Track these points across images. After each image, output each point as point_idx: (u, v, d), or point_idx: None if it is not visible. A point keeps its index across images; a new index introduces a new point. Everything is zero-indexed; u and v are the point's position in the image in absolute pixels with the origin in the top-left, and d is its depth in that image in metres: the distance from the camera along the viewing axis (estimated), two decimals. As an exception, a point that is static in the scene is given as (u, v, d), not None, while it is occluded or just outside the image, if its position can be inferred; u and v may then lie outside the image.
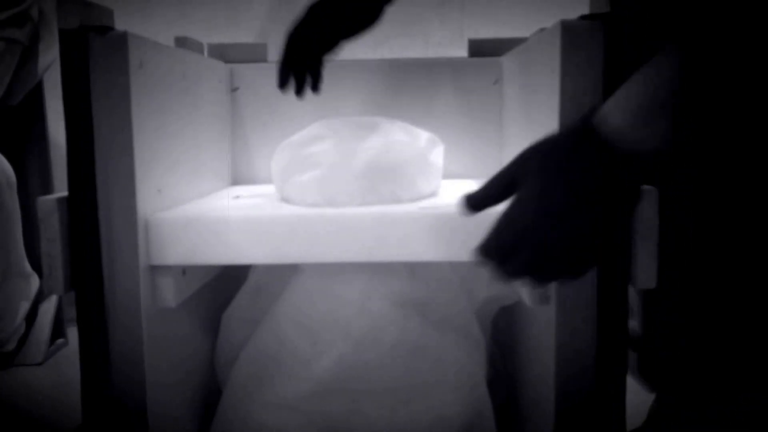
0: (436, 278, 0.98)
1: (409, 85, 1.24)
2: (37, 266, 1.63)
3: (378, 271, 0.95)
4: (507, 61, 1.18)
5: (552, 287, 0.83)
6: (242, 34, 1.83)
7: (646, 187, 0.81)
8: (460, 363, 0.95)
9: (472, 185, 0.73)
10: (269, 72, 1.26)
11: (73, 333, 1.75)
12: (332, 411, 0.91)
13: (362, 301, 0.94)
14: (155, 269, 0.84)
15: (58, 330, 1.68)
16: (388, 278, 0.95)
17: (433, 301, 0.97)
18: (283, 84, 1.00)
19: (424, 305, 0.96)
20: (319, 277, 0.97)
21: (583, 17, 0.79)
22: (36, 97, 1.64)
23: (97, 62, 0.79)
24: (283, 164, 0.96)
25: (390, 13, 1.02)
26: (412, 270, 0.97)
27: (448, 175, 1.10)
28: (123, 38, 0.79)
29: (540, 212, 0.64)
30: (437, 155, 1.02)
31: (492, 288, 1.02)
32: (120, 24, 0.82)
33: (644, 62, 0.64)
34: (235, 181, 1.27)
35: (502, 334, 1.12)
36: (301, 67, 1.02)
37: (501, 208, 0.69)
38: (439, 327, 0.96)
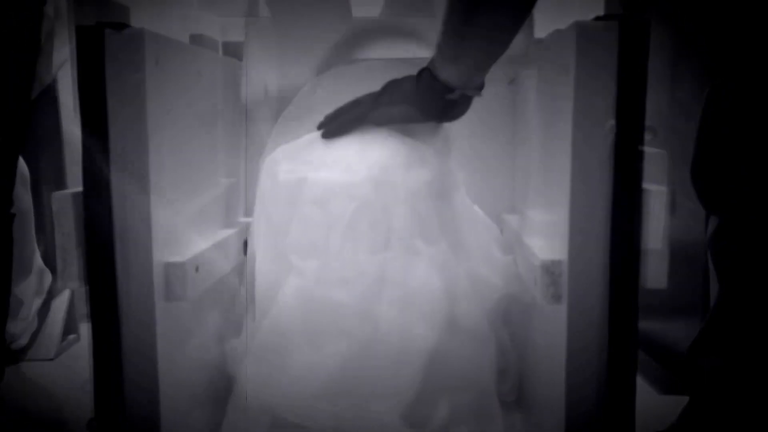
0: (444, 277, 0.98)
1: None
2: (49, 262, 1.64)
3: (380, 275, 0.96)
4: (522, 61, 1.17)
5: (564, 287, 0.83)
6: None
7: (656, 188, 0.81)
8: (468, 365, 0.95)
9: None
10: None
11: (85, 329, 1.76)
12: (340, 413, 0.91)
13: (364, 308, 0.94)
14: (169, 265, 0.85)
15: (70, 325, 1.69)
16: (390, 282, 0.95)
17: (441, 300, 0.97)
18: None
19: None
20: (318, 283, 0.97)
21: (597, 18, 0.79)
22: (50, 94, 1.64)
23: (113, 59, 0.79)
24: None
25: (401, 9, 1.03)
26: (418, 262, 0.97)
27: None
28: (140, 35, 0.79)
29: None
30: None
31: (504, 287, 1.01)
32: (135, 21, 0.83)
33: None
34: None
35: (515, 328, 1.12)
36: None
37: None
38: (447, 329, 0.96)
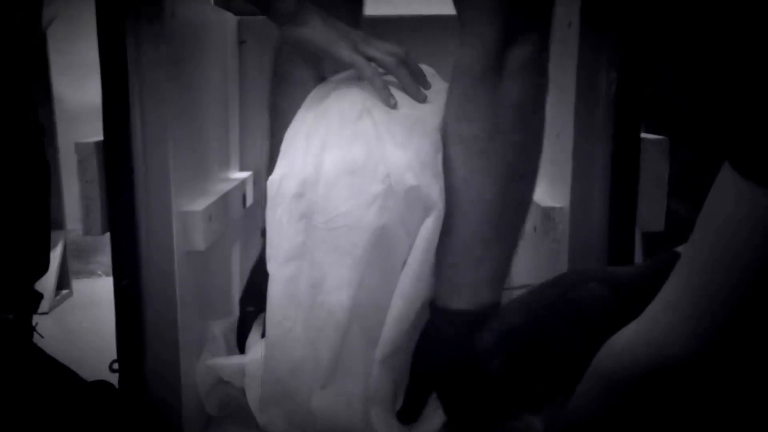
0: None
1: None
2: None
3: None
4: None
5: (564, 234, 0.87)
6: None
7: (657, 137, 0.85)
8: None
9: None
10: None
11: (77, 285, 1.78)
12: None
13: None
14: (186, 214, 0.88)
15: (63, 281, 1.70)
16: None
17: None
18: None
19: None
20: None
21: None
22: (39, 51, 1.63)
23: (133, 10, 0.80)
24: None
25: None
26: None
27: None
28: (157, -13, 0.81)
29: None
30: None
31: None
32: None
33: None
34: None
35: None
36: None
37: None
38: None
